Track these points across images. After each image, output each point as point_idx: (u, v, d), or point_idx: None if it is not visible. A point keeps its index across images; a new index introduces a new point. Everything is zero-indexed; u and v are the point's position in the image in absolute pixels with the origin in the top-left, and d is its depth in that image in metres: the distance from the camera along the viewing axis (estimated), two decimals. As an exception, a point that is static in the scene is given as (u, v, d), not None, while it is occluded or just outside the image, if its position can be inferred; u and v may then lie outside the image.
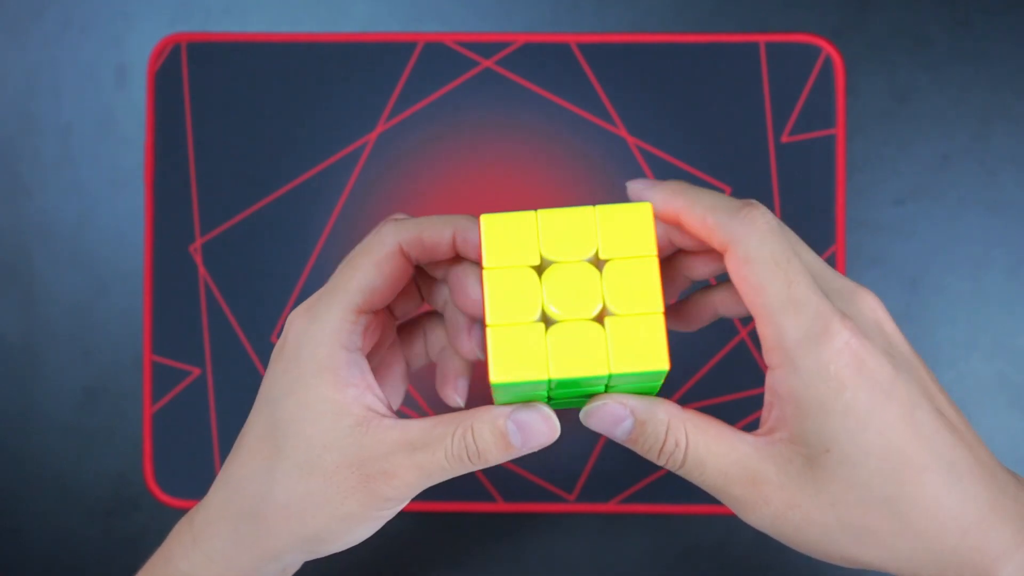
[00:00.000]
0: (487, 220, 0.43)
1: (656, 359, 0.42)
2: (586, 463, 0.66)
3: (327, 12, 0.68)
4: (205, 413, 0.66)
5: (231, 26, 0.68)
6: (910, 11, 0.67)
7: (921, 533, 0.42)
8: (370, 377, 0.46)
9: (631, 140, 0.66)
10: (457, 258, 0.47)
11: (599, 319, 0.42)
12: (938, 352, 0.67)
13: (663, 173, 0.66)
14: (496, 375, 0.42)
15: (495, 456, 0.44)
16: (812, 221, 0.66)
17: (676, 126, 0.66)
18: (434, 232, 0.46)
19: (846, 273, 0.67)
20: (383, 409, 0.46)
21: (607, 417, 0.44)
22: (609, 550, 0.67)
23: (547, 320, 0.42)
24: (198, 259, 0.67)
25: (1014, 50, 0.67)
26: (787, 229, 0.44)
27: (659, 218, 0.44)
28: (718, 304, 0.48)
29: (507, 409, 0.44)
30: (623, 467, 0.66)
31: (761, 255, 0.42)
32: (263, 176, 0.67)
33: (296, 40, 0.67)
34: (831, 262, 0.66)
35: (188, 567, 0.48)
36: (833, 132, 0.66)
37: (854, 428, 0.41)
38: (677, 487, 0.66)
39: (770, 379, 0.43)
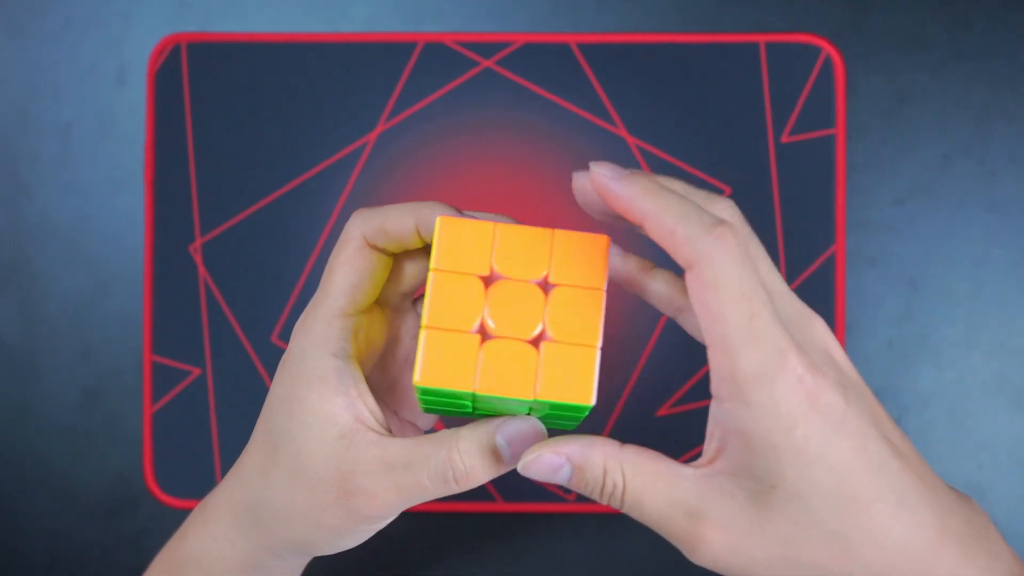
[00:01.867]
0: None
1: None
2: (586, 463, 0.66)
3: (327, 12, 0.68)
4: (205, 413, 0.66)
5: (231, 26, 0.68)
6: (910, 11, 0.67)
7: (871, 565, 0.41)
8: (362, 386, 0.45)
9: (631, 140, 0.66)
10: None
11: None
12: (938, 352, 0.67)
13: (663, 173, 0.66)
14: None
15: (482, 475, 0.44)
16: (812, 221, 0.66)
17: (676, 126, 0.66)
18: (397, 221, 0.45)
19: (846, 273, 0.67)
20: (371, 421, 0.45)
21: (544, 468, 0.43)
22: (609, 550, 0.67)
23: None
24: (198, 259, 0.67)
25: (1014, 50, 0.67)
26: (754, 243, 0.43)
27: (621, 214, 0.42)
28: (648, 291, 0.47)
29: (492, 425, 0.44)
30: (623, 467, 0.66)
31: (728, 283, 0.40)
32: (263, 176, 0.67)
33: (296, 40, 0.67)
34: (831, 262, 0.66)
35: (198, 547, 0.49)
36: (833, 132, 0.66)
37: (803, 465, 0.40)
38: (677, 487, 0.66)
39: (716, 410, 0.42)
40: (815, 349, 0.42)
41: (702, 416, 0.66)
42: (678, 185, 0.44)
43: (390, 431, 0.46)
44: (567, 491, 0.66)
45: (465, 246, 0.42)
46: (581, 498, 0.66)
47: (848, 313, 0.67)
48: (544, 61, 0.66)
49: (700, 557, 0.42)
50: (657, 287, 0.47)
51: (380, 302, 0.48)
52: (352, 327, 0.46)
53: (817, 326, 0.43)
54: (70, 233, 0.68)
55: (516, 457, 0.43)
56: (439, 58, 0.67)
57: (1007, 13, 0.67)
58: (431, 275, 0.42)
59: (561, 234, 0.43)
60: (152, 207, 0.67)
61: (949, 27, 0.67)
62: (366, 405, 0.45)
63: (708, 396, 0.66)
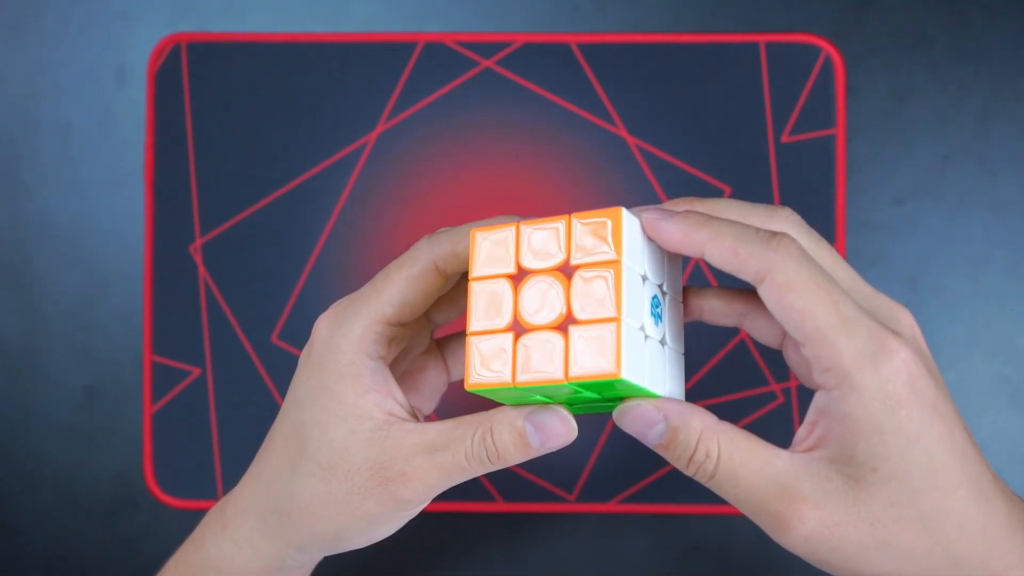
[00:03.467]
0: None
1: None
2: (586, 463, 0.66)
3: (327, 12, 0.68)
4: (205, 413, 0.66)
5: (231, 26, 0.68)
6: (910, 11, 0.67)
7: (952, 547, 0.42)
8: (392, 384, 0.46)
9: (631, 140, 0.66)
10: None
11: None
12: (938, 352, 0.67)
13: (663, 173, 0.66)
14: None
15: (514, 457, 0.45)
16: (812, 221, 0.66)
17: (676, 126, 0.66)
18: (468, 244, 0.46)
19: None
20: (404, 414, 0.46)
21: (639, 419, 0.44)
22: (609, 550, 0.67)
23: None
24: (198, 259, 0.67)
25: (1014, 50, 0.67)
26: (824, 247, 0.44)
27: (679, 250, 0.44)
28: (705, 310, 0.48)
29: (526, 410, 0.44)
30: (623, 467, 0.66)
31: (801, 280, 0.41)
32: (263, 176, 0.67)
33: (296, 40, 0.67)
34: (831, 262, 0.66)
35: (217, 553, 0.50)
36: (833, 132, 0.66)
37: (905, 445, 0.41)
38: (677, 487, 0.66)
39: (821, 400, 0.43)
40: (906, 335, 0.44)
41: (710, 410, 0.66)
42: (735, 205, 0.45)
43: (418, 419, 0.47)
44: (567, 491, 0.66)
45: (494, 251, 0.43)
46: (581, 498, 0.66)
47: (848, 313, 0.67)
48: (544, 61, 0.66)
49: (792, 536, 0.43)
50: (712, 303, 0.48)
51: None
52: (390, 335, 0.47)
53: (906, 316, 0.44)
54: (70, 233, 0.68)
55: (545, 443, 0.44)
56: (439, 58, 0.67)
57: (1007, 13, 0.67)
58: (469, 286, 0.43)
59: (577, 217, 0.43)
60: (152, 207, 0.67)
61: (949, 27, 0.67)
62: (398, 401, 0.46)
63: (709, 396, 0.66)
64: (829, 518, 0.42)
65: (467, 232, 0.46)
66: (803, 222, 0.45)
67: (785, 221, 0.45)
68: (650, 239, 0.44)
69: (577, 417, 0.51)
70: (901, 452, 0.41)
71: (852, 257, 0.67)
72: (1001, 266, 0.67)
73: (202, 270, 0.67)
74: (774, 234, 0.42)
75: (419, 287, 0.46)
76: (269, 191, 0.67)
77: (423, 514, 0.67)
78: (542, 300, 0.43)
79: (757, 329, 0.48)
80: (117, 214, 0.68)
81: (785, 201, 0.66)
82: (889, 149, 0.67)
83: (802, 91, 0.66)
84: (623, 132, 0.66)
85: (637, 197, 0.66)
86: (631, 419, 0.44)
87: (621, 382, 0.42)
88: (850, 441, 0.42)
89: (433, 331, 0.52)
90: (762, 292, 0.42)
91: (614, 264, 0.42)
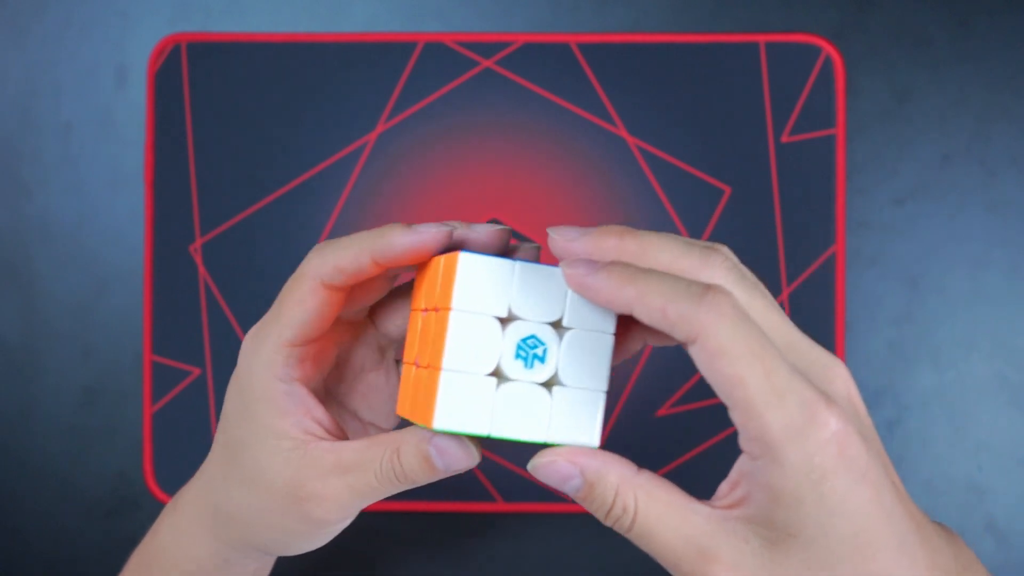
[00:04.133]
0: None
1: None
2: (586, 463, 0.66)
3: (327, 12, 0.68)
4: (205, 413, 0.66)
5: (231, 26, 0.68)
6: (910, 11, 0.67)
7: None
8: (310, 402, 0.47)
9: (631, 140, 0.66)
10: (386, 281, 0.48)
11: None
12: (938, 352, 0.67)
13: (663, 173, 0.66)
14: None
15: (421, 477, 0.45)
16: (812, 221, 0.66)
17: (676, 126, 0.66)
18: (350, 260, 0.45)
19: (846, 273, 0.67)
20: (322, 432, 0.47)
21: (554, 474, 0.43)
22: (609, 550, 0.67)
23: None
24: (198, 259, 0.67)
25: (1014, 50, 0.67)
26: (758, 294, 0.43)
27: (609, 308, 0.42)
28: (648, 335, 0.47)
29: (429, 433, 0.44)
30: (623, 467, 0.66)
31: (735, 345, 0.39)
32: (263, 176, 0.67)
33: (296, 40, 0.67)
34: (831, 262, 0.66)
35: (169, 542, 0.52)
36: (833, 132, 0.66)
37: (826, 515, 0.41)
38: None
39: (745, 464, 0.42)
40: (840, 398, 0.42)
41: (702, 416, 0.66)
42: (669, 245, 0.43)
43: (346, 436, 0.48)
44: (567, 491, 0.66)
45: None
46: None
47: (848, 313, 0.67)
48: (544, 61, 0.66)
49: None
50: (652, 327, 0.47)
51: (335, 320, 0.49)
52: (298, 355, 0.47)
53: (839, 373, 0.43)
54: (70, 233, 0.68)
55: (448, 466, 0.44)
56: (439, 58, 0.67)
57: (1007, 13, 0.67)
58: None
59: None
60: (152, 207, 0.67)
61: (949, 27, 0.67)
62: (315, 419, 0.47)
63: (708, 396, 0.66)
64: None
65: (349, 247, 0.45)
66: (739, 265, 0.43)
67: (721, 266, 0.43)
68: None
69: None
70: (821, 522, 0.40)
71: (852, 257, 0.67)
72: (1001, 266, 0.67)
73: (202, 270, 0.67)
74: (707, 288, 0.40)
75: (311, 306, 0.46)
76: (269, 191, 0.67)
77: (424, 514, 0.67)
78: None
79: (664, 341, 0.47)
80: (117, 214, 0.68)
81: (785, 201, 0.66)
82: (889, 149, 0.67)
83: (802, 91, 0.66)
84: (623, 132, 0.66)
85: (637, 197, 0.66)
86: (546, 474, 0.43)
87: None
88: (770, 507, 0.41)
89: (388, 347, 0.51)
90: (693, 354, 0.40)
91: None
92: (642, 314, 0.41)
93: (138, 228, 0.68)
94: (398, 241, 0.44)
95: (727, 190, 0.66)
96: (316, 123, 0.67)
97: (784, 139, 0.66)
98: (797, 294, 0.66)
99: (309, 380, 0.48)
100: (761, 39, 0.66)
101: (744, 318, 0.40)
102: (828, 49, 0.66)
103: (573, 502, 0.66)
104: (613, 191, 0.66)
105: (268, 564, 0.55)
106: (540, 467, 0.43)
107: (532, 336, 0.42)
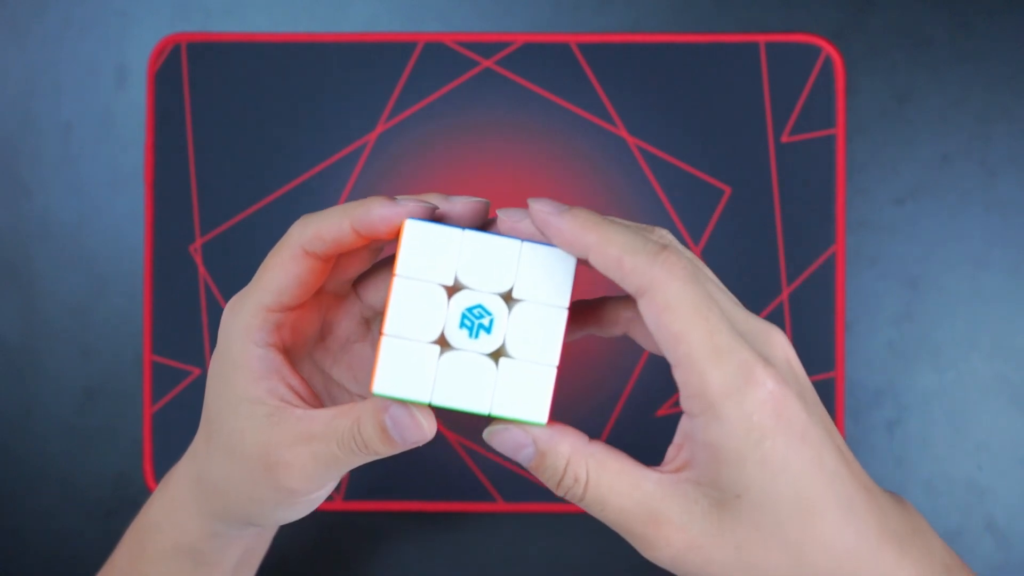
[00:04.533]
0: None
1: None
2: (586, 463, 0.66)
3: (327, 12, 0.68)
4: (205, 413, 0.66)
5: (231, 26, 0.68)
6: (910, 11, 0.67)
7: (819, 570, 0.42)
8: (286, 370, 0.47)
9: (631, 140, 0.66)
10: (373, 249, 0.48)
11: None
12: (938, 352, 0.67)
13: (663, 173, 0.66)
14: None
15: (381, 449, 0.45)
16: (812, 221, 0.66)
17: (676, 126, 0.66)
18: (330, 228, 0.45)
19: (846, 273, 0.67)
20: (296, 401, 0.47)
21: (508, 442, 0.44)
22: (609, 550, 0.67)
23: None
24: (198, 259, 0.67)
25: (1014, 50, 0.67)
26: (701, 268, 0.44)
27: (566, 249, 0.43)
28: (590, 321, 0.48)
29: (387, 404, 0.44)
30: (623, 467, 0.66)
31: (682, 303, 0.41)
32: (263, 176, 0.67)
33: (296, 40, 0.67)
34: (831, 262, 0.66)
35: (160, 515, 0.53)
36: (833, 132, 0.66)
37: (769, 476, 0.41)
38: (677, 487, 0.66)
39: (686, 425, 0.43)
40: (778, 363, 0.43)
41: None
42: (617, 220, 0.45)
43: (322, 405, 0.47)
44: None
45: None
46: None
47: (848, 313, 0.67)
48: (544, 61, 0.66)
49: (659, 557, 0.43)
50: (598, 312, 0.48)
51: (318, 290, 0.49)
52: (276, 320, 0.47)
53: (777, 339, 0.44)
54: (70, 233, 0.68)
55: (405, 440, 0.44)
56: (439, 58, 0.67)
57: (1007, 13, 0.67)
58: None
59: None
60: (152, 207, 0.67)
61: (949, 27, 0.67)
62: (289, 387, 0.47)
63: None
64: (694, 541, 0.42)
65: (330, 216, 0.45)
66: (679, 243, 0.44)
67: (663, 239, 0.44)
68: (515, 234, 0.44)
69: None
70: (764, 483, 0.41)
71: (852, 257, 0.67)
72: (1001, 266, 0.67)
73: (202, 270, 0.67)
74: (663, 248, 0.41)
75: (292, 272, 0.46)
76: (269, 191, 0.67)
77: (424, 514, 0.67)
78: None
79: (644, 337, 0.47)
80: (117, 214, 0.68)
81: (785, 201, 0.66)
82: (889, 149, 0.67)
83: (802, 91, 0.66)
84: (623, 132, 0.66)
85: (637, 197, 0.66)
86: (500, 442, 0.44)
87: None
88: (714, 468, 0.42)
89: (372, 318, 0.51)
90: (641, 306, 0.42)
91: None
92: (598, 261, 0.42)
93: (138, 228, 0.68)
94: (377, 212, 0.44)
95: (727, 190, 0.66)
96: (316, 123, 0.67)
97: (784, 139, 0.66)
98: (797, 294, 0.66)
99: (286, 347, 0.48)
100: (761, 39, 0.66)
101: (694, 279, 0.41)
102: (828, 49, 0.66)
103: (574, 502, 0.66)
104: (613, 191, 0.66)
105: (264, 542, 0.55)
106: (494, 434, 0.44)
107: (478, 306, 0.43)
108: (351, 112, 0.67)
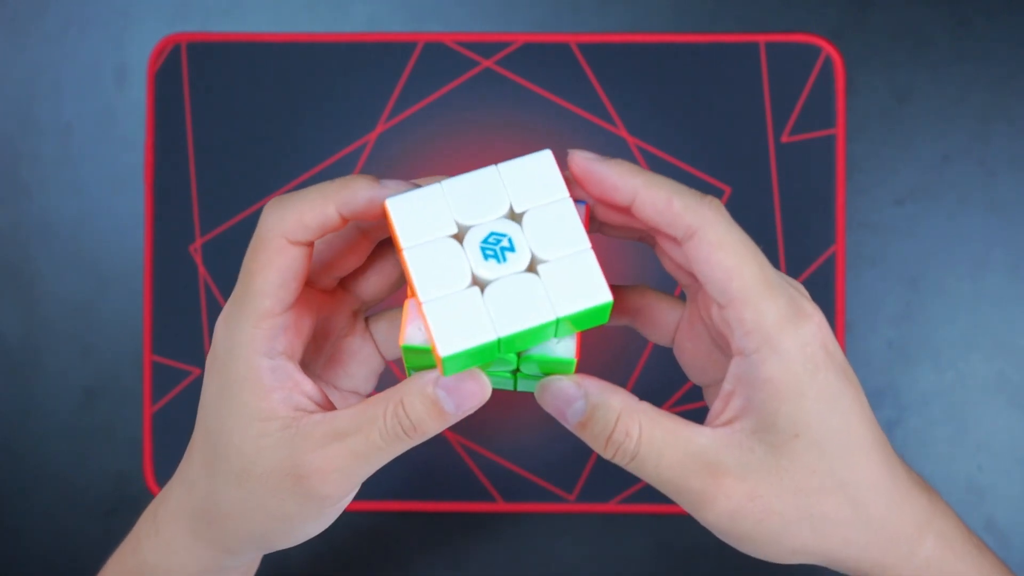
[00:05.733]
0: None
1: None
2: (586, 463, 0.66)
3: (327, 12, 0.68)
4: (205, 413, 0.66)
5: (231, 26, 0.69)
6: (910, 11, 0.67)
7: (869, 516, 0.43)
8: (298, 376, 0.44)
9: (631, 140, 0.66)
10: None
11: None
12: (938, 352, 0.67)
13: (663, 173, 0.66)
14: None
15: (431, 426, 0.43)
16: (812, 221, 0.66)
17: (676, 126, 0.66)
18: (314, 214, 0.43)
19: (846, 273, 0.67)
20: (312, 407, 0.44)
21: (558, 396, 0.43)
22: (609, 550, 0.67)
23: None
24: (198, 259, 0.67)
25: (1014, 50, 0.67)
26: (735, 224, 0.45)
27: (606, 197, 0.43)
28: (632, 312, 0.47)
29: (432, 375, 0.43)
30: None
31: (734, 240, 0.42)
32: (263, 176, 0.67)
33: (296, 40, 0.67)
34: (831, 262, 0.66)
35: (153, 557, 0.49)
36: (833, 132, 0.66)
37: (824, 411, 0.42)
38: (677, 487, 0.66)
39: (741, 366, 0.43)
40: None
41: (702, 416, 0.66)
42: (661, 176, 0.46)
43: (334, 406, 0.45)
44: (567, 491, 0.66)
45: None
46: (581, 498, 0.66)
47: (848, 313, 0.67)
48: (544, 61, 0.66)
49: (717, 514, 0.43)
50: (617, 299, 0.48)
51: (306, 284, 0.47)
52: (280, 325, 0.44)
53: (798, 283, 0.45)
54: (70, 233, 0.68)
55: (460, 406, 0.43)
56: (439, 58, 0.67)
57: (1007, 13, 0.67)
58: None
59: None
60: (152, 207, 0.67)
61: (949, 27, 0.67)
62: (304, 393, 0.44)
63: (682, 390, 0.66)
64: (753, 490, 0.42)
65: (312, 200, 0.43)
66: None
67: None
68: (578, 182, 0.44)
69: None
70: (820, 417, 0.42)
71: (852, 257, 0.67)
72: (1001, 266, 0.67)
73: (202, 270, 0.67)
74: (704, 194, 0.42)
75: (282, 267, 0.43)
76: (269, 191, 0.67)
77: (424, 514, 0.67)
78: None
79: (648, 328, 0.47)
80: (117, 214, 0.68)
81: (785, 201, 0.66)
82: (889, 149, 0.67)
83: (802, 91, 0.66)
84: (623, 132, 0.66)
85: (637, 197, 0.66)
86: (551, 395, 0.43)
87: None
88: (772, 407, 0.42)
89: (360, 310, 0.50)
90: (690, 247, 0.42)
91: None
92: (645, 202, 0.42)
93: (138, 228, 0.68)
94: (363, 193, 0.43)
95: (727, 190, 0.66)
96: (316, 123, 0.67)
97: (784, 139, 0.66)
98: (797, 294, 0.66)
99: (294, 352, 0.45)
100: (761, 39, 0.66)
101: (736, 224, 0.42)
102: (828, 49, 0.66)
103: (573, 501, 0.66)
104: (613, 191, 0.66)
105: (253, 566, 0.52)
106: (546, 387, 0.43)
107: (492, 233, 0.43)
108: (351, 112, 0.67)
